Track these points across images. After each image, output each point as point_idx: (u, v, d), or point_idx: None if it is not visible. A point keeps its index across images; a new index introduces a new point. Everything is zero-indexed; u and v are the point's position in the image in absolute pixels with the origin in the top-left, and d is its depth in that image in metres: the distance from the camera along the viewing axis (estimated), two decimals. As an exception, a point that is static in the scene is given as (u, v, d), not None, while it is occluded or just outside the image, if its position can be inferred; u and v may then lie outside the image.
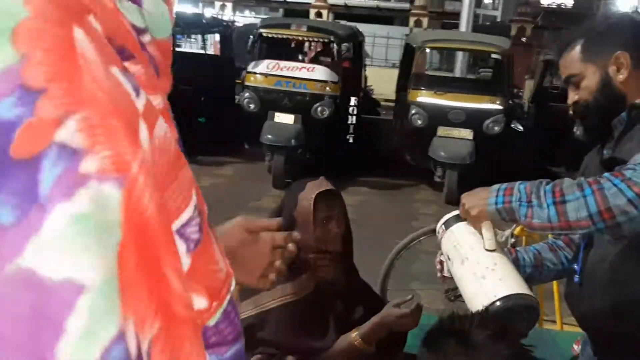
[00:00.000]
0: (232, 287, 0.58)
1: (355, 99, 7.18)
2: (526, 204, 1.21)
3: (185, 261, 0.52)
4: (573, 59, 1.42)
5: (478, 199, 1.30)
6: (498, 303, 1.19)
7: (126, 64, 0.49)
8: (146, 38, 0.54)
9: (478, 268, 1.28)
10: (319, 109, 6.59)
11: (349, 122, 7.12)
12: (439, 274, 1.51)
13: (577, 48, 1.41)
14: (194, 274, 0.53)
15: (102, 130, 0.43)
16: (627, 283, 1.32)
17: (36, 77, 0.41)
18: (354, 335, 1.60)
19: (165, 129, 0.50)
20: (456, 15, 14.85)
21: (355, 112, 7.15)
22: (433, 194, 6.77)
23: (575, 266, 1.47)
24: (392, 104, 9.60)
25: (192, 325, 0.51)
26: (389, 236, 5.00)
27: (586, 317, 1.46)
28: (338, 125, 6.89)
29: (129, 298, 0.44)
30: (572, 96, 1.44)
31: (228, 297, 0.57)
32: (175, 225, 0.51)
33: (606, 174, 1.17)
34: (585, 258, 1.44)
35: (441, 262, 1.50)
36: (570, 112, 1.47)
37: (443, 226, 1.42)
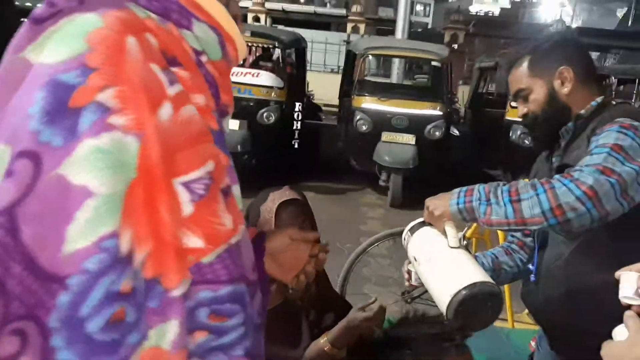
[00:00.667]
0: (232, 242, 0.75)
1: (300, 105, 7.23)
2: (485, 203, 1.30)
3: (188, 207, 0.71)
4: (521, 74, 1.53)
5: (441, 201, 1.38)
6: (464, 292, 1.24)
7: (173, 68, 0.71)
8: (203, 58, 0.76)
9: (443, 263, 1.34)
10: (265, 114, 6.60)
11: (294, 127, 7.16)
12: (407, 283, 1.56)
13: (525, 64, 1.53)
14: (195, 219, 0.71)
15: (131, 101, 0.66)
16: (581, 279, 1.43)
17: (94, 61, 0.65)
18: (323, 341, 1.63)
19: (192, 112, 0.71)
20: (391, 22, 15.21)
21: (300, 118, 7.19)
22: (378, 197, 6.91)
23: (531, 266, 1.59)
24: (332, 109, 9.71)
25: (176, 250, 0.70)
26: (338, 241, 5.08)
27: (543, 313, 1.57)
28: (284, 131, 6.91)
29: (130, 216, 0.65)
30: (522, 109, 1.55)
31: (225, 246, 0.75)
32: (182, 178, 0.70)
33: (556, 176, 1.28)
34: (540, 258, 1.55)
35: (409, 272, 1.56)
36: (521, 123, 1.59)
37: (409, 232, 1.47)
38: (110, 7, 0.69)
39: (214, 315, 0.75)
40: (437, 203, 1.39)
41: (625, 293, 1.03)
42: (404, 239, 1.50)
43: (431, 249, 1.40)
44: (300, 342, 1.64)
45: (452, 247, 1.36)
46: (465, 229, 3.17)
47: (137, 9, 0.72)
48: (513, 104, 6.69)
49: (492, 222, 1.30)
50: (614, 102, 1.50)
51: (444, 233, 1.39)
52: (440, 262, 1.36)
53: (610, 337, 1.30)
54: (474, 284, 1.25)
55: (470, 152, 7.87)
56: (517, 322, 3.08)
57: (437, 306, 1.31)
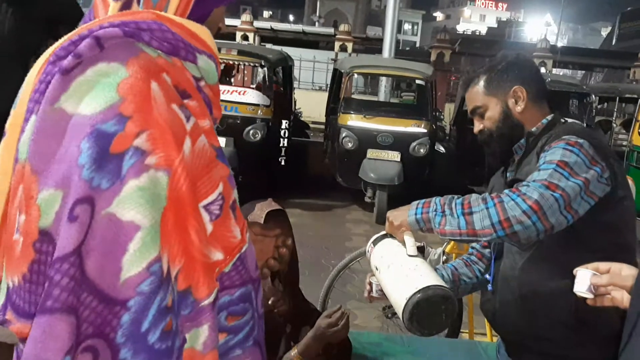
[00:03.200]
0: (243, 250, 0.89)
1: (287, 122, 7.30)
2: (440, 214, 1.39)
3: (209, 227, 0.83)
4: (477, 92, 1.62)
5: (400, 212, 1.46)
6: (418, 295, 1.30)
7: (185, 101, 0.83)
8: (202, 83, 0.88)
9: (401, 269, 1.41)
10: (251, 132, 6.66)
11: (281, 144, 7.22)
12: (366, 294, 1.61)
13: (481, 83, 1.61)
14: (214, 236, 0.84)
15: (160, 141, 0.77)
16: (533, 286, 1.51)
17: (127, 109, 0.77)
18: (293, 353, 1.67)
19: (204, 142, 0.83)
20: (378, 40, 15.37)
21: (286, 135, 7.26)
22: (364, 214, 6.96)
23: (488, 276, 1.65)
24: (320, 126, 9.78)
25: (204, 266, 0.82)
26: (323, 257, 5.11)
27: (499, 320, 1.64)
28: (270, 148, 6.97)
29: (165, 240, 0.78)
30: (478, 125, 1.63)
31: (238, 255, 0.88)
32: (203, 203, 0.83)
33: (506, 190, 1.36)
34: (496, 268, 1.63)
35: (370, 284, 1.60)
36: (478, 139, 1.65)
37: (372, 244, 1.55)
38: (130, 55, 0.80)
39: (231, 317, 0.89)
40: (397, 214, 1.47)
41: (579, 288, 1.11)
42: (367, 251, 1.56)
43: (390, 257, 1.47)
44: (276, 357, 1.68)
45: (410, 256, 1.43)
46: (445, 244, 3.23)
47: (149, 50, 0.82)
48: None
49: (445, 232, 1.37)
50: (563, 121, 1.57)
51: (404, 243, 1.46)
52: (398, 268, 1.42)
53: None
54: (428, 287, 1.31)
55: (455, 169, 7.96)
56: (495, 336, 3.13)
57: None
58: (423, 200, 1.45)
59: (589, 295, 1.09)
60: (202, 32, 0.88)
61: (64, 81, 0.79)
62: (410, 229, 1.44)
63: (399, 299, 1.34)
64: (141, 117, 0.76)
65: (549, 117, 1.58)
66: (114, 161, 0.75)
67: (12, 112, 0.86)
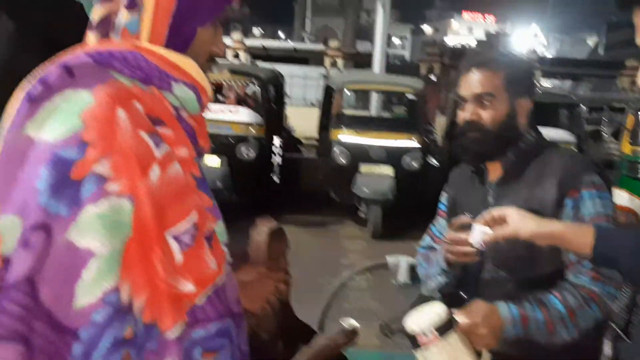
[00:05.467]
0: (218, 282, 0.85)
1: (279, 139, 7.32)
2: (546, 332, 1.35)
3: (179, 256, 0.80)
4: (493, 79, 1.45)
5: (491, 322, 1.29)
6: None
7: (158, 127, 0.81)
8: (183, 113, 0.87)
9: None
10: (244, 150, 6.67)
11: (274, 161, 7.23)
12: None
13: (501, 73, 1.46)
14: (185, 266, 0.80)
15: (123, 168, 0.76)
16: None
17: (89, 136, 0.75)
18: None
19: (177, 169, 0.81)
20: (369, 55, 15.46)
21: (279, 152, 7.28)
22: (358, 229, 6.95)
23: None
24: (313, 142, 9.81)
25: (171, 297, 0.78)
26: (318, 275, 5.10)
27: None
28: (263, 166, 6.98)
29: (128, 269, 0.75)
30: (471, 113, 1.45)
31: (212, 287, 0.85)
32: (172, 231, 0.80)
33: (594, 285, 1.35)
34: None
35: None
36: (465, 128, 1.47)
37: (434, 330, 1.24)
38: (99, 82, 0.79)
39: (206, 352, 0.84)
40: (489, 322, 1.29)
41: (472, 240, 1.31)
42: (424, 334, 1.24)
43: None
44: None
45: None
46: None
47: (122, 78, 0.81)
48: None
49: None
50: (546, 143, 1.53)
51: (477, 355, 1.26)
52: None
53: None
54: None
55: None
56: None
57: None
58: (516, 314, 1.34)
59: (481, 248, 1.31)
60: (184, 62, 0.87)
61: (31, 108, 0.79)
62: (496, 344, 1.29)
63: None
64: (103, 143, 0.76)
65: (533, 134, 1.52)
66: (72, 187, 0.74)
67: None
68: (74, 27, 1.57)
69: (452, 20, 71.15)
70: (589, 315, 1.36)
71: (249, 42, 18.46)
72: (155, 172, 0.79)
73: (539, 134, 1.55)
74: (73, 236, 0.73)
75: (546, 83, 18.29)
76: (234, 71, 7.38)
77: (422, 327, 1.25)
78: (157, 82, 0.85)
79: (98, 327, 0.74)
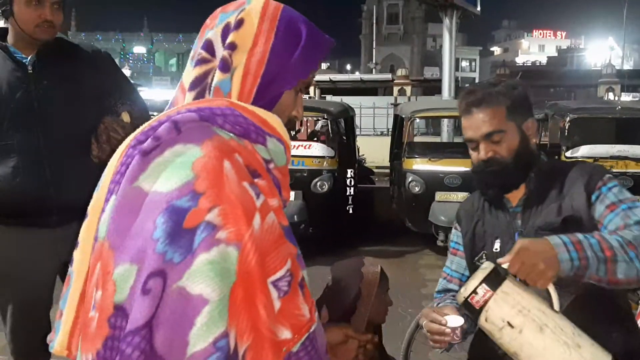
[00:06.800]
0: (312, 329, 0.88)
1: (352, 171, 7.38)
2: (604, 259, 1.24)
3: (277, 303, 0.83)
4: (499, 115, 1.46)
5: (541, 253, 1.22)
6: None
7: (256, 180, 0.87)
8: (271, 165, 0.93)
9: (566, 336, 1.19)
10: (318, 183, 6.77)
11: (348, 193, 7.28)
12: (444, 339, 1.38)
13: (503, 106, 1.47)
14: (282, 313, 0.84)
15: (231, 216, 0.80)
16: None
17: (200, 186, 0.80)
18: None
19: (273, 219, 0.86)
20: (437, 80, 15.40)
21: (352, 183, 7.33)
22: (438, 258, 6.83)
23: None
24: (384, 171, 9.82)
25: (272, 343, 0.81)
26: (399, 306, 5.05)
27: None
28: (338, 198, 7.04)
29: (234, 315, 0.78)
30: (487, 152, 1.47)
31: (306, 335, 0.87)
32: (272, 278, 0.83)
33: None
34: None
35: (453, 330, 1.38)
36: (483, 167, 1.48)
37: (485, 285, 1.21)
38: (205, 136, 0.85)
39: None
40: (538, 254, 1.21)
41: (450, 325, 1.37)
42: (476, 292, 1.22)
43: (540, 315, 1.20)
44: None
45: (556, 312, 1.21)
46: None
47: (222, 133, 0.88)
48: (569, 153, 6.61)
49: (619, 281, 1.26)
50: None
51: (547, 293, 1.20)
52: (561, 334, 1.19)
53: None
54: None
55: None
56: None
57: None
58: (568, 240, 1.25)
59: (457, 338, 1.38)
60: (272, 119, 0.92)
61: (143, 162, 0.84)
62: (556, 275, 1.21)
63: None
64: (214, 193, 0.80)
65: (543, 155, 1.57)
66: (186, 235, 0.78)
67: (94, 195, 0.92)
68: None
69: (522, 40, 69.63)
70: None
71: (318, 77, 18.84)
72: (257, 221, 0.83)
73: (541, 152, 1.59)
74: (187, 283, 0.76)
75: (627, 97, 17.49)
76: (306, 108, 7.51)
77: (469, 288, 1.22)
78: (253, 136, 0.90)
79: None
